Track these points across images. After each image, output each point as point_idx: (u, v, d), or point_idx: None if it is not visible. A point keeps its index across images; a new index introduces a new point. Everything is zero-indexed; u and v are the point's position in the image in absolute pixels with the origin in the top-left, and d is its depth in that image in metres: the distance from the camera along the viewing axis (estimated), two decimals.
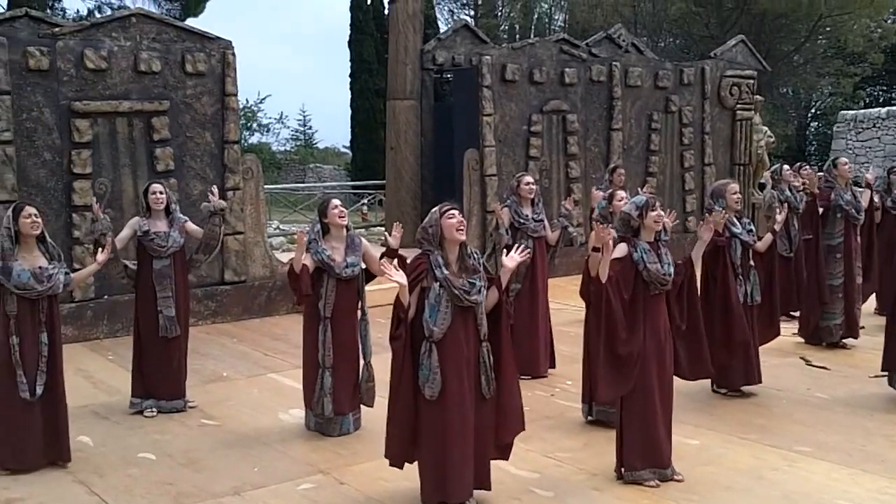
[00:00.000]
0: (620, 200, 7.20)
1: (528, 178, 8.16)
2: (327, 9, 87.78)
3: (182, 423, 6.85)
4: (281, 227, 18.70)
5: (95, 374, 8.26)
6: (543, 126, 13.42)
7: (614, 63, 14.09)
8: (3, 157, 8.97)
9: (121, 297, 9.39)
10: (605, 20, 28.27)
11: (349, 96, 27.88)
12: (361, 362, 6.48)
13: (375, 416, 6.11)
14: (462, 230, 4.92)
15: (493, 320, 5.06)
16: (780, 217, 7.77)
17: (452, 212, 4.95)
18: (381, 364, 6.39)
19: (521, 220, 7.98)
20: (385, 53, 24.19)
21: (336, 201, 6.40)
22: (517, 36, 35.54)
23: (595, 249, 5.37)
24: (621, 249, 5.44)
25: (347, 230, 6.40)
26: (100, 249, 6.47)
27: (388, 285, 9.81)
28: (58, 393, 5.91)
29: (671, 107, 14.79)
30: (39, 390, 5.75)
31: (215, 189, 7.45)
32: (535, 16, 39.98)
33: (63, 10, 25.97)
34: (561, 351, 8.30)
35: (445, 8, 38.35)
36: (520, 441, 5.36)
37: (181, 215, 7.22)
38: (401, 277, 4.85)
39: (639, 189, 8.52)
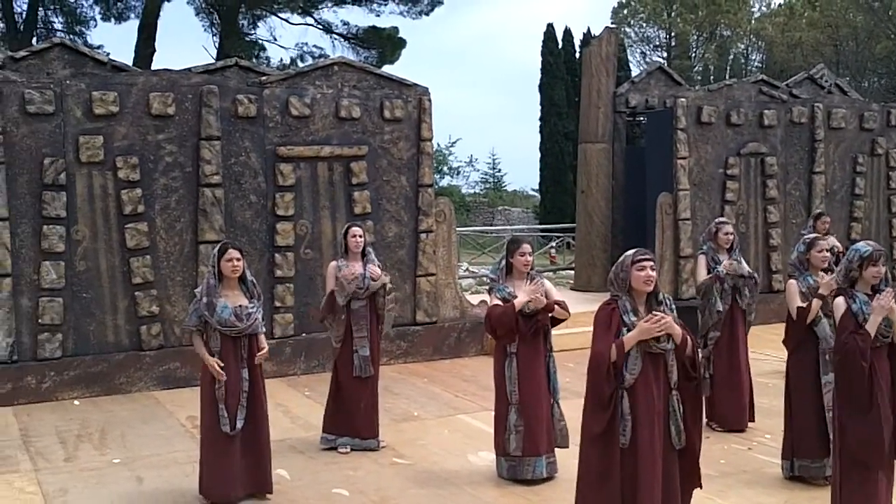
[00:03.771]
0: (820, 251, 6.72)
1: (729, 228, 7.87)
2: (518, 53, 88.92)
3: (375, 460, 6.94)
4: (470, 268, 18.87)
5: (293, 409, 8.53)
6: (741, 169, 13.00)
7: (816, 104, 13.50)
8: (212, 199, 9.48)
9: (318, 335, 9.70)
10: (805, 60, 27.22)
11: (539, 139, 28.01)
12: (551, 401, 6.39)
13: (570, 461, 5.97)
14: (650, 283, 4.78)
15: (683, 369, 4.88)
16: None
17: (643, 263, 4.80)
18: (571, 410, 6.30)
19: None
20: (576, 97, 24.19)
21: (527, 247, 6.39)
22: (712, 77, 34.80)
23: (819, 297, 5.08)
24: (839, 304, 5.13)
25: (531, 271, 6.38)
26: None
27: (577, 329, 9.82)
28: (260, 426, 6.09)
29: (877, 149, 14.05)
30: (240, 424, 5.94)
31: (373, 268, 7.27)
32: (731, 56, 39.05)
33: (268, 59, 27.45)
34: (759, 403, 7.90)
35: (637, 50, 38.12)
36: (715, 496, 5.11)
37: (374, 258, 7.37)
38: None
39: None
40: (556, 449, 6.45)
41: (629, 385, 4.73)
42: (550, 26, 28.45)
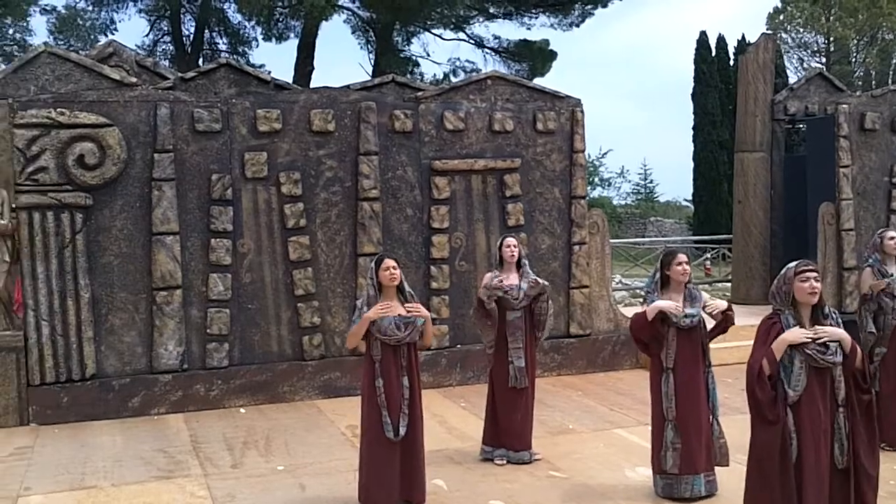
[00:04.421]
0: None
1: (892, 233, 7.54)
2: (669, 62, 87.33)
3: (531, 473, 6.91)
4: (623, 281, 18.62)
5: (449, 419, 8.60)
6: None
7: None
8: (370, 212, 9.69)
9: (472, 347, 9.76)
10: None
11: (692, 149, 27.45)
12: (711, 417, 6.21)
13: (730, 479, 5.79)
14: (815, 295, 4.59)
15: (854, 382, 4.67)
16: None
17: (807, 274, 4.62)
18: (730, 427, 6.11)
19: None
20: (730, 105, 23.59)
21: (682, 257, 6.24)
22: (873, 83, 33.22)
23: None
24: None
25: (688, 283, 6.23)
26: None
27: (736, 343, 9.53)
28: (417, 435, 6.15)
29: None
30: (402, 431, 6.02)
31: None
32: (894, 61, 37.17)
33: (421, 74, 27.93)
34: None
35: (794, 56, 36.79)
36: None
37: (529, 269, 7.37)
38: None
39: None
40: (715, 467, 6.27)
41: (793, 401, 4.57)
42: (703, 34, 27.88)
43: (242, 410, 9.11)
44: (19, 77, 8.73)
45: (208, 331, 9.16)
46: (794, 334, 4.59)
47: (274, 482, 6.83)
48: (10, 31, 28.52)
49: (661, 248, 18.47)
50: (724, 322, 6.24)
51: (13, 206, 8.58)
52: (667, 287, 6.23)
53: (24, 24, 28.64)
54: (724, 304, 6.28)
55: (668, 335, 6.13)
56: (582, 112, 10.69)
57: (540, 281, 7.24)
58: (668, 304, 6.05)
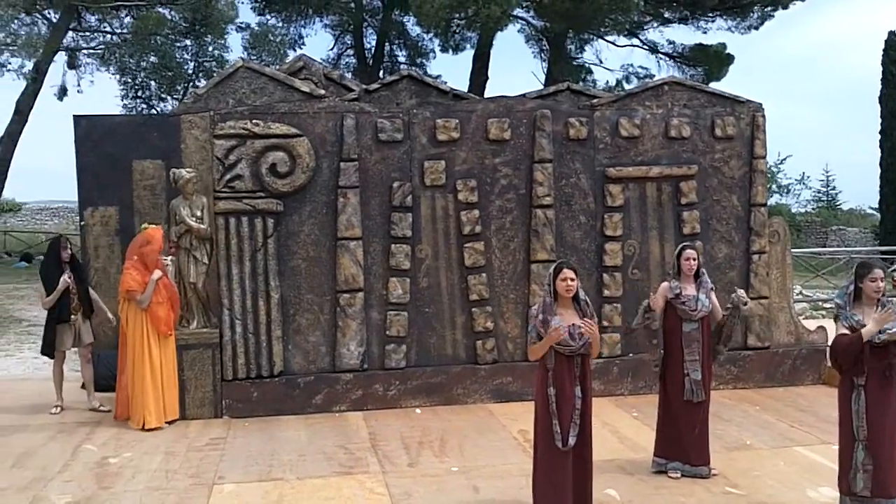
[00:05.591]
0: None
1: None
2: (854, 64, 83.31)
3: (707, 488, 6.82)
4: (804, 292, 17.94)
5: (621, 429, 8.57)
6: None
7: None
8: (544, 219, 9.78)
9: (644, 356, 9.66)
10: None
11: (878, 154, 26.15)
12: None
13: None
14: None
15: None
16: None
17: None
18: None
19: None
20: None
21: (878, 272, 6.00)
22: None
23: None
24: None
25: (881, 297, 5.98)
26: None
27: None
28: (587, 444, 6.16)
29: None
30: (572, 441, 6.04)
31: (741, 292, 7.30)
32: None
33: (594, 81, 27.81)
34: None
35: None
36: None
37: (708, 280, 7.26)
38: None
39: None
40: None
41: None
42: (892, 34, 26.50)
43: (418, 411, 9.38)
44: (219, 91, 9.32)
45: (387, 332, 9.49)
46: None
47: (448, 483, 7.02)
48: (210, 49, 30.39)
49: (845, 259, 17.70)
50: None
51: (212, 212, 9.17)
52: (859, 301, 6.02)
53: (222, 41, 30.43)
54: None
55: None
56: (763, 117, 10.43)
57: (739, 294, 7.10)
58: (873, 329, 5.81)
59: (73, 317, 9.20)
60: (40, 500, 6.72)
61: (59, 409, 9.38)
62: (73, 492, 6.89)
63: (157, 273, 8.85)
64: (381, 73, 27.39)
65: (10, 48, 26.42)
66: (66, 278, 9.09)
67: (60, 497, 6.77)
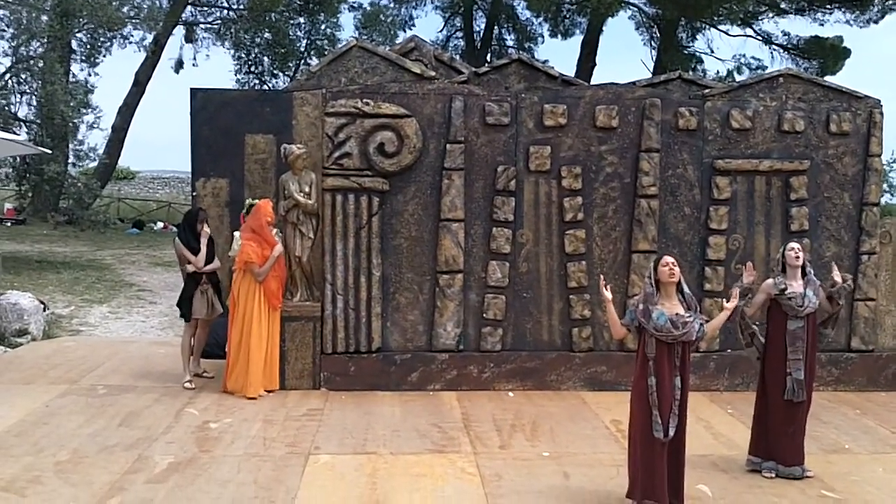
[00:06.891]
0: None
1: None
2: None
3: (801, 490, 6.71)
4: None
5: (715, 425, 8.47)
6: None
7: None
8: (647, 209, 9.69)
9: (742, 353, 9.52)
10: None
11: None
12: None
13: None
14: None
15: None
16: None
17: None
18: None
19: None
20: None
21: None
22: None
23: None
24: None
25: None
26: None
27: None
28: (682, 436, 6.13)
29: None
30: (671, 432, 6.03)
31: (836, 271, 7.23)
32: None
33: (704, 71, 27.29)
34: None
35: None
36: None
37: (815, 278, 7.12)
38: None
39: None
40: None
41: None
42: None
43: (511, 394, 9.44)
44: (332, 69, 9.51)
45: (484, 315, 9.57)
46: None
47: (539, 467, 7.07)
48: (323, 27, 30.94)
49: None
50: None
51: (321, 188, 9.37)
52: None
53: (335, 20, 30.95)
54: None
55: None
56: (881, 113, 10.10)
57: (844, 277, 7.03)
58: None
59: (205, 286, 9.48)
60: (145, 458, 7.03)
61: (191, 383, 9.41)
62: (175, 453, 7.18)
63: (279, 248, 9.10)
64: (488, 56, 27.43)
65: (133, 21, 27.34)
66: (214, 265, 9.51)
67: (163, 457, 7.06)
